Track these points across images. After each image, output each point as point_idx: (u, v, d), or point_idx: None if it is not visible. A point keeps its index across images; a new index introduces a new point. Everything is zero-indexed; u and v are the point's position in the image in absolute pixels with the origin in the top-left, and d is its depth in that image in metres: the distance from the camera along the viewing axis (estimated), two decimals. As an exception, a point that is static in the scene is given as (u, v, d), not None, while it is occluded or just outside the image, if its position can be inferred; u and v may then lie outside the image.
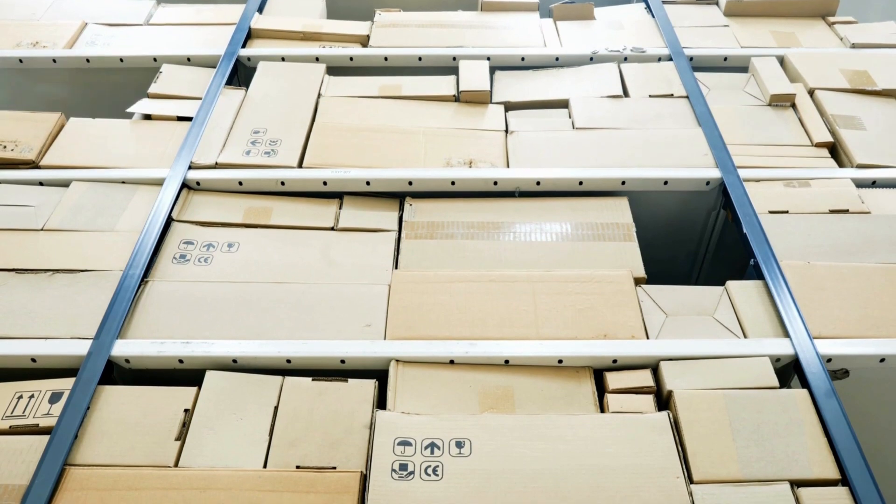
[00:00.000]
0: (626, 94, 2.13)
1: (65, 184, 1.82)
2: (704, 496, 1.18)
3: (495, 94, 2.15)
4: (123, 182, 1.83)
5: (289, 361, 1.42)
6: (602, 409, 1.36)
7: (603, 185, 1.82)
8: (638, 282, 1.58)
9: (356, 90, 2.14)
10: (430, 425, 1.29)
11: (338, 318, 1.50)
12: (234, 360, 1.41)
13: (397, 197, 1.83)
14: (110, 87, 2.34)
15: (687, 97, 2.10)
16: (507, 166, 1.88)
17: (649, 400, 1.35)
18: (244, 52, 2.30)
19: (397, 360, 1.41)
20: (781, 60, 2.23)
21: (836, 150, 1.93)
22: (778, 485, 1.20)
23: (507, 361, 1.42)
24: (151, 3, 2.59)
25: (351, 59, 2.28)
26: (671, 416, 1.30)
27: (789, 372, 1.42)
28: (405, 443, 1.26)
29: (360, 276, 1.60)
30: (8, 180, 1.83)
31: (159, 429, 1.29)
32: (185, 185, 1.81)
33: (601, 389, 1.39)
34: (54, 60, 2.29)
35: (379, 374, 1.41)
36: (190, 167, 1.84)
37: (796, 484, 1.20)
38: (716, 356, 1.40)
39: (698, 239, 1.94)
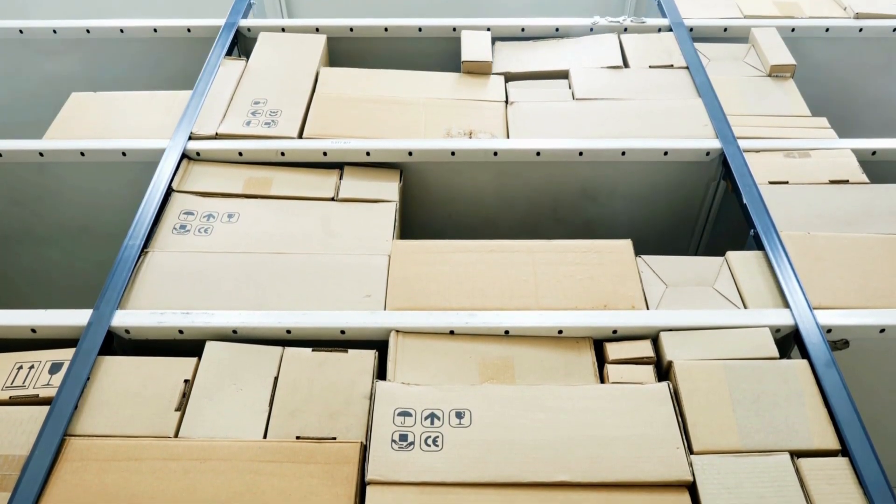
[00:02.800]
0: (626, 64, 2.08)
1: (65, 155, 1.78)
2: (704, 466, 1.15)
3: (495, 64, 2.09)
4: (124, 153, 1.78)
5: (289, 332, 1.38)
6: (602, 379, 1.32)
7: (603, 156, 1.77)
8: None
9: (356, 61, 2.10)
10: (430, 396, 1.25)
11: (338, 289, 1.46)
12: (234, 331, 1.38)
13: (398, 167, 1.79)
14: (111, 58, 2.28)
15: (687, 68, 2.05)
16: (508, 137, 1.83)
17: (649, 370, 1.31)
18: (244, 23, 2.24)
19: (397, 331, 1.37)
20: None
21: (836, 121, 1.89)
22: (778, 455, 1.16)
23: (507, 332, 1.38)
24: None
25: (351, 29, 2.22)
26: (671, 386, 1.27)
27: (789, 342, 1.38)
28: (405, 413, 1.23)
29: (361, 246, 1.56)
30: (9, 150, 1.79)
31: (159, 399, 1.26)
32: (185, 156, 1.76)
33: (601, 360, 1.35)
34: (54, 31, 2.22)
35: (379, 344, 1.37)
36: (190, 138, 1.79)
37: (796, 454, 1.17)
38: (716, 327, 1.37)
39: (698, 210, 1.89)
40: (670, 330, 1.36)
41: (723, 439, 1.19)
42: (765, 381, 1.27)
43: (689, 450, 1.18)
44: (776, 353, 1.32)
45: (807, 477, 1.13)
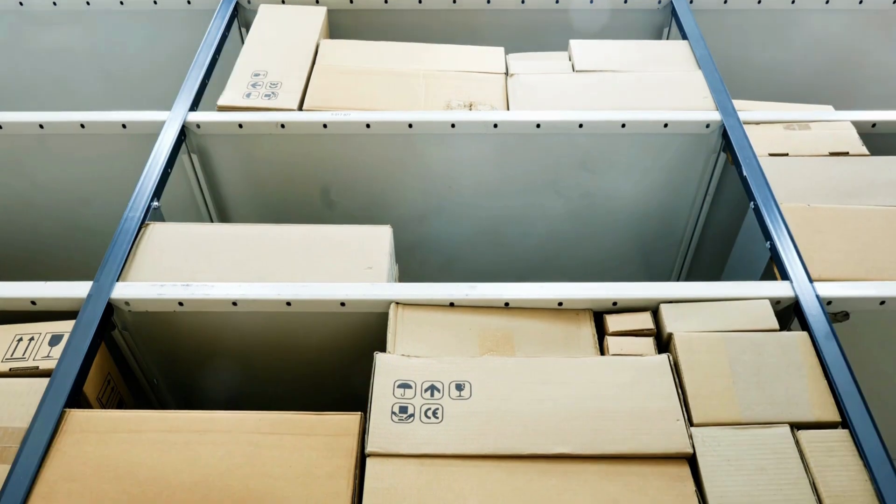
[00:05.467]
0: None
1: (65, 127, 1.74)
2: (704, 438, 1.12)
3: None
4: (124, 126, 1.74)
5: (289, 304, 1.34)
6: (602, 351, 1.29)
7: (603, 128, 1.73)
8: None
9: (356, 33, 2.04)
10: (430, 368, 1.22)
11: (338, 261, 1.43)
12: (234, 303, 1.34)
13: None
14: (111, 31, 2.23)
15: (687, 40, 2.00)
16: (508, 109, 1.79)
17: (649, 342, 1.28)
18: (244, -5, 2.19)
19: (397, 303, 1.34)
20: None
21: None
22: (778, 427, 1.13)
23: (506, 304, 1.35)
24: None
25: (351, 1, 2.16)
26: (671, 358, 1.24)
27: (789, 315, 1.35)
28: (405, 385, 1.20)
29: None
30: (9, 122, 1.74)
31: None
32: (184, 128, 1.72)
33: (601, 332, 1.32)
34: (54, 3, 2.16)
35: (379, 316, 1.34)
36: (190, 110, 1.75)
37: (796, 426, 1.14)
38: (716, 298, 1.33)
39: (698, 182, 1.85)
40: (670, 302, 1.33)
41: (723, 411, 1.16)
42: (765, 353, 1.23)
43: (690, 422, 1.15)
44: (776, 325, 1.28)
45: (806, 449, 1.10)
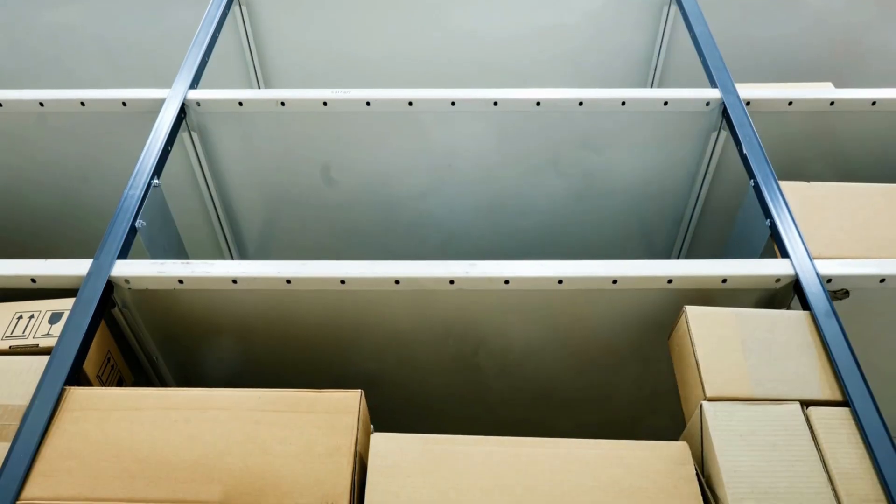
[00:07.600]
0: (626, 14, 1.99)
1: (65, 105, 1.70)
2: (717, 413, 1.09)
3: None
4: (124, 104, 1.70)
5: (289, 282, 1.32)
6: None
7: (603, 106, 1.69)
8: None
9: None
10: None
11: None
12: (234, 281, 1.31)
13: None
14: (111, 9, 2.19)
15: (688, 20, 1.96)
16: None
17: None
18: (244, -26, 2.14)
19: (397, 281, 1.32)
20: None
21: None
22: (789, 404, 1.10)
23: (506, 282, 1.32)
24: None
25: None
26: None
27: (789, 293, 1.32)
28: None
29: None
30: (10, 100, 1.71)
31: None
32: (184, 106, 1.69)
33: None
34: (54, -19, 2.13)
35: (380, 294, 1.31)
36: (190, 88, 1.72)
37: (806, 404, 1.11)
38: (716, 276, 1.30)
39: (698, 160, 1.82)
40: (670, 280, 1.30)
41: (735, 386, 1.12)
42: (776, 330, 1.20)
43: (703, 395, 1.12)
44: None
45: (817, 426, 1.07)
